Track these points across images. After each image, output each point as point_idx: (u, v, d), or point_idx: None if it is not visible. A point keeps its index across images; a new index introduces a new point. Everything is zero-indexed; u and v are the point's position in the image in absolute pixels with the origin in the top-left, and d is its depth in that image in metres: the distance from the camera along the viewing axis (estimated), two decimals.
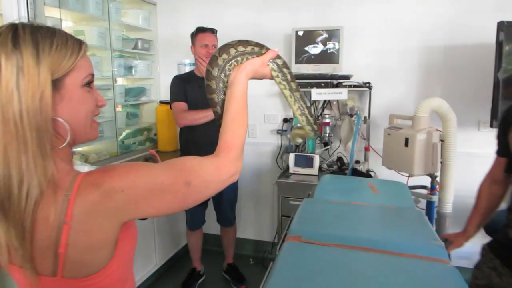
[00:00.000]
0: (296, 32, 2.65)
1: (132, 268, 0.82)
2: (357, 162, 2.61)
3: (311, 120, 1.04)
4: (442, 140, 2.01)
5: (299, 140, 1.20)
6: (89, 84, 0.73)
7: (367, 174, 2.48)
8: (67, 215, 0.63)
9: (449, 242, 1.61)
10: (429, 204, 2.14)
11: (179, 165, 0.74)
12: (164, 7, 3.14)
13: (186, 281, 2.71)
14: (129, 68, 2.95)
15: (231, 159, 0.80)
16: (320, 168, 2.62)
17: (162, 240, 2.87)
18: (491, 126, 2.14)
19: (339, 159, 2.70)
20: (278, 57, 0.93)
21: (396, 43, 2.62)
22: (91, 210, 0.64)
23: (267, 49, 0.92)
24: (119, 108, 2.86)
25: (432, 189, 2.15)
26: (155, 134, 3.14)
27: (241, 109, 0.84)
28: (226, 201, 2.60)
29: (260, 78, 0.94)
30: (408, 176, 2.23)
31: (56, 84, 0.67)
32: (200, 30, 2.40)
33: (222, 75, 0.91)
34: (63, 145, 0.70)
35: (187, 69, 2.90)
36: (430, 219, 2.08)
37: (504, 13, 2.30)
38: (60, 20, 2.29)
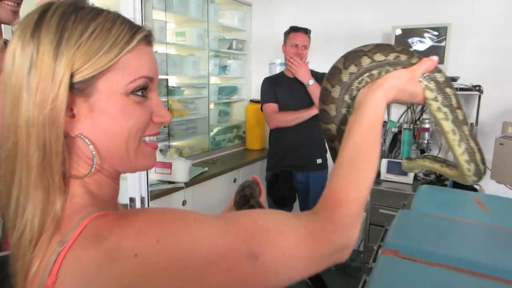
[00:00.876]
0: (396, 29, 2.49)
1: None
2: None
3: (482, 169, 0.71)
4: None
5: (415, 170, 0.91)
6: (141, 91, 0.49)
7: (471, 187, 2.23)
8: (51, 274, 0.41)
9: None
10: None
11: (247, 224, 0.45)
12: (259, 7, 3.20)
13: None
14: (223, 68, 3.06)
15: (339, 222, 0.49)
16: (415, 177, 2.44)
17: None
18: None
19: None
20: (437, 70, 0.62)
21: None
22: (84, 277, 0.39)
23: (419, 57, 0.61)
24: (212, 106, 2.99)
25: None
26: (244, 132, 3.21)
27: (368, 144, 0.55)
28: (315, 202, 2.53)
29: (407, 102, 0.64)
30: None
31: (83, 88, 0.46)
32: (293, 30, 2.37)
33: (347, 97, 0.62)
34: (86, 175, 0.48)
35: (278, 69, 2.91)
36: None
37: None
38: (165, 23, 2.46)
